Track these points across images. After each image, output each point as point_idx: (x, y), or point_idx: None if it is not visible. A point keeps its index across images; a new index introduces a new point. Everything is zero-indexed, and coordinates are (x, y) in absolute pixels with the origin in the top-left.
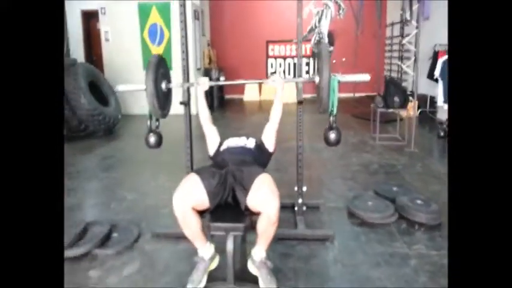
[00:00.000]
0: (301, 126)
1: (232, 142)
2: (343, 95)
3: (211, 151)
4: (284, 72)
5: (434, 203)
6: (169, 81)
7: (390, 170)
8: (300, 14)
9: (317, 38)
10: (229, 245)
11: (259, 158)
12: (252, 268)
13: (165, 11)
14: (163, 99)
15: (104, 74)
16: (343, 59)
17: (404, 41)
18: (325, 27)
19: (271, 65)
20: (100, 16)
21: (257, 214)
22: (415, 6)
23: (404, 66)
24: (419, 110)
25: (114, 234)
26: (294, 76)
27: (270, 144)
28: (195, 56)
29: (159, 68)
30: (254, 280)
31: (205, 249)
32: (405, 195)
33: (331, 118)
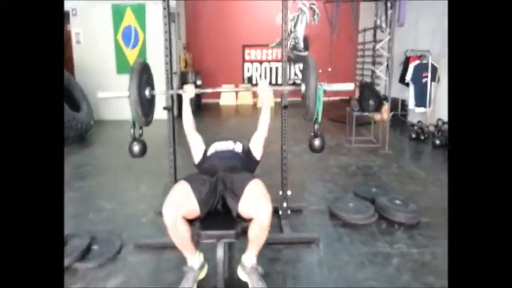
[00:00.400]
0: (285, 131)
1: (220, 146)
2: None
3: (196, 159)
4: (260, 76)
5: (412, 202)
6: (153, 87)
7: (367, 171)
8: (285, 14)
9: (292, 43)
10: (220, 253)
11: (247, 163)
12: (242, 274)
13: (140, 13)
14: (147, 106)
15: (74, 77)
16: (329, 69)
17: (377, 47)
18: (300, 32)
19: (248, 69)
20: (71, 17)
21: (249, 221)
22: (389, 12)
23: (377, 71)
24: (391, 113)
25: (95, 247)
26: (271, 83)
27: (257, 152)
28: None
29: (143, 74)
30: (244, 287)
31: (195, 259)
32: (384, 195)
33: (316, 126)
